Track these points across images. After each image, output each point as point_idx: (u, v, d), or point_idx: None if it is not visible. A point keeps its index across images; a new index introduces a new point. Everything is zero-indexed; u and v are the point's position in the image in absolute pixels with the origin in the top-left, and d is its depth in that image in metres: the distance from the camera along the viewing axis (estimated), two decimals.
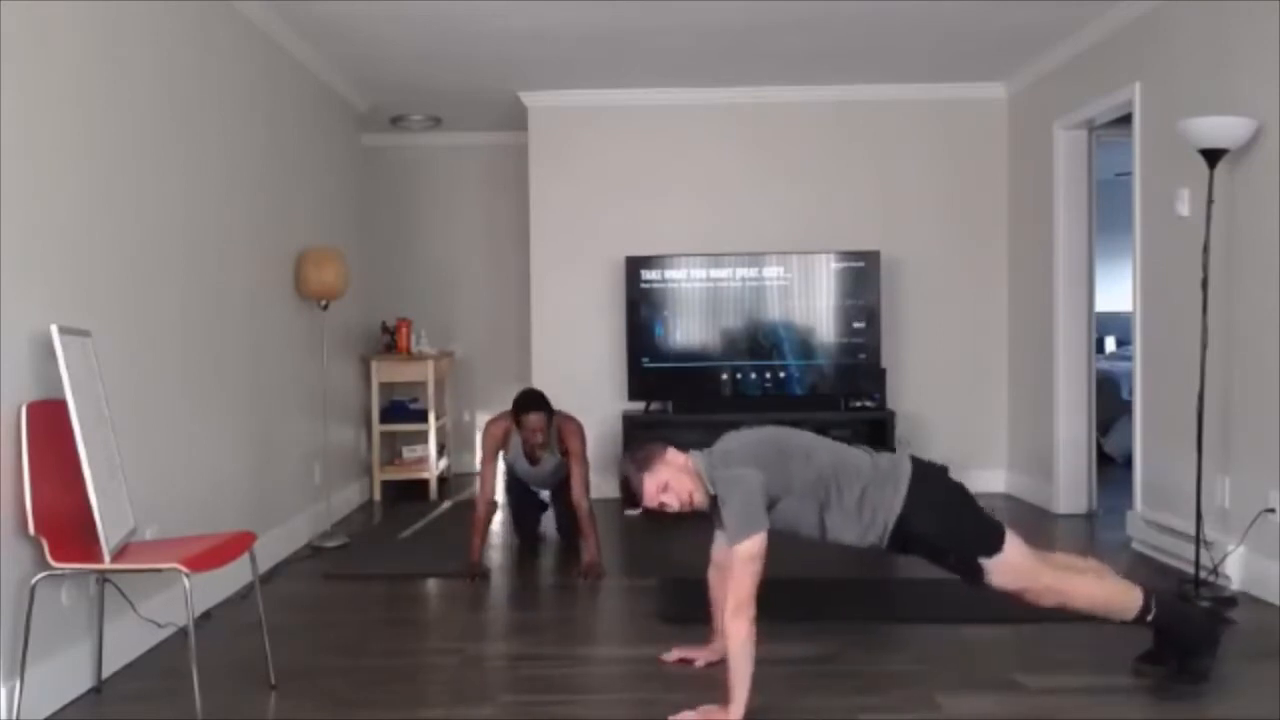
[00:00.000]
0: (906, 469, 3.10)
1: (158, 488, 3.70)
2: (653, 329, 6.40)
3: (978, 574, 3.06)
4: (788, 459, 3.08)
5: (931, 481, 3.13)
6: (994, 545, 3.05)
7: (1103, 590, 3.15)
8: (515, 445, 4.83)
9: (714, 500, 3.06)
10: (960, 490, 3.18)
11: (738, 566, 2.88)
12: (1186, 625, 3.15)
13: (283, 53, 5.26)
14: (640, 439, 6.03)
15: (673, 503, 3.08)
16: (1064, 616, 3.61)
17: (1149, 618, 3.09)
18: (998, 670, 3.29)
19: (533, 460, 4.87)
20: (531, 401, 4.71)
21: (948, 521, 3.09)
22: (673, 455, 3.11)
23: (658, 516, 5.87)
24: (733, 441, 3.15)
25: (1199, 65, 4.47)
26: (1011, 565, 3.05)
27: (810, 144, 6.64)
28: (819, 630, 3.62)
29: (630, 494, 3.16)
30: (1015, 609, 3.79)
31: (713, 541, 3.36)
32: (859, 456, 3.15)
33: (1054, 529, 5.51)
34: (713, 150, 6.66)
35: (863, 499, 3.05)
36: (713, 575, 3.39)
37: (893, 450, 6.14)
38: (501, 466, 5.00)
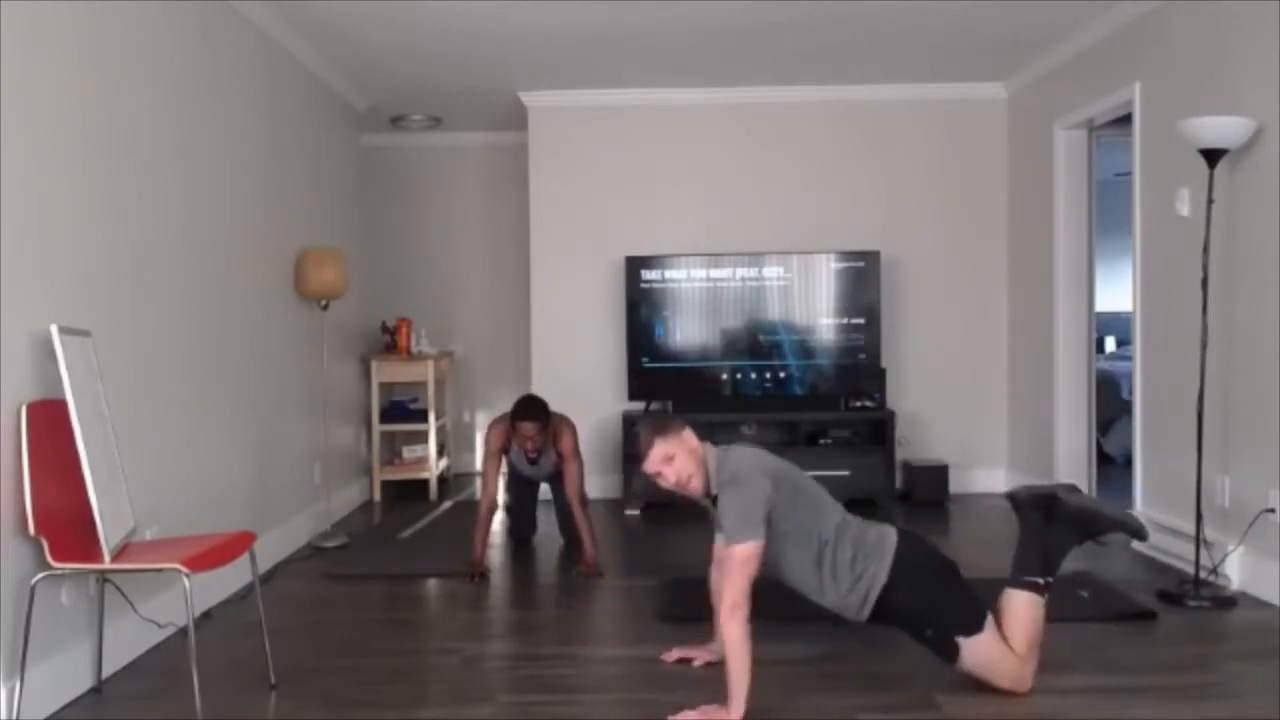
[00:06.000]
0: (892, 541, 3.09)
1: (158, 488, 3.70)
2: (653, 329, 6.40)
3: (953, 652, 3.05)
4: (797, 494, 3.08)
5: (917, 554, 3.12)
6: (973, 625, 3.03)
7: (1039, 636, 3.11)
8: (516, 446, 4.85)
9: (714, 499, 3.07)
10: (946, 565, 3.16)
11: (733, 567, 2.88)
12: (1069, 539, 3.17)
13: (283, 53, 5.26)
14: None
15: (670, 477, 3.08)
16: (1065, 616, 3.63)
17: (1052, 581, 3.13)
18: None
19: (531, 460, 4.92)
20: (527, 409, 4.70)
21: (930, 596, 3.07)
22: (689, 436, 3.12)
23: (657, 507, 5.91)
24: (754, 454, 3.13)
25: (1199, 65, 4.47)
26: (985, 651, 3.03)
27: (810, 144, 6.64)
28: (819, 630, 3.61)
29: (634, 452, 3.16)
30: None
31: (714, 539, 3.37)
32: (855, 523, 3.14)
33: None
34: (713, 150, 6.66)
35: (853, 562, 3.05)
36: (713, 573, 3.39)
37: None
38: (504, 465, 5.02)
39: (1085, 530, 3.19)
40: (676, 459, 3.07)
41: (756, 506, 2.94)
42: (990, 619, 3.06)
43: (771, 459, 3.14)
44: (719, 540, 3.24)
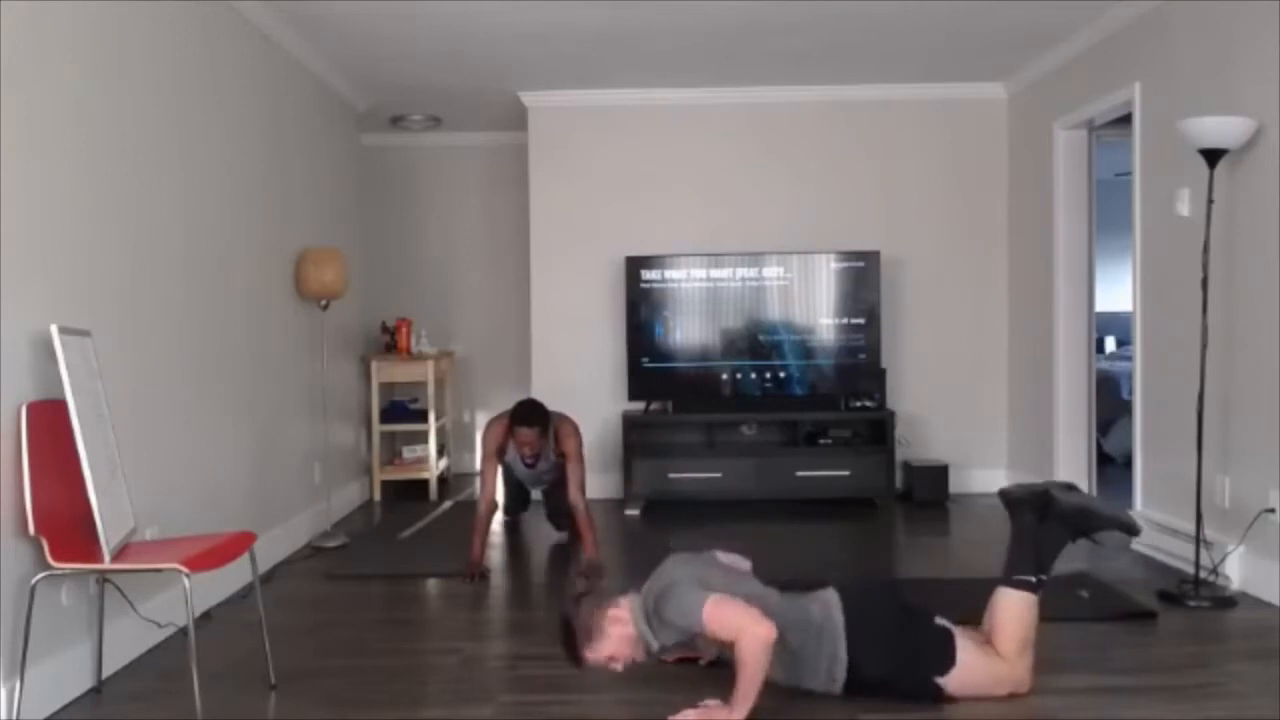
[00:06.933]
0: (837, 613, 3.00)
1: (158, 488, 3.70)
2: (653, 329, 6.40)
3: (938, 692, 3.00)
4: (735, 586, 3.01)
5: (864, 610, 3.03)
6: (945, 661, 2.98)
7: (1031, 634, 3.08)
8: (513, 447, 4.87)
9: (661, 648, 3.02)
10: (897, 610, 3.08)
11: (721, 619, 2.84)
12: (1061, 537, 3.14)
13: (283, 53, 5.26)
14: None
15: (618, 662, 3.03)
16: (1064, 616, 3.63)
17: (1045, 579, 3.10)
18: None
19: (529, 465, 4.94)
20: (526, 416, 4.70)
21: (894, 655, 2.99)
22: (618, 612, 3.01)
23: (659, 506, 5.90)
24: (675, 570, 3.06)
25: (1199, 65, 4.47)
26: (966, 678, 2.99)
27: (810, 144, 6.64)
28: None
29: (569, 639, 3.03)
30: None
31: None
32: (793, 608, 3.02)
33: None
34: (713, 150, 6.66)
35: (803, 649, 2.99)
36: (730, 650, 3.36)
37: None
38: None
39: (1078, 528, 3.16)
40: (615, 655, 3.00)
41: (690, 581, 2.93)
42: (961, 640, 3.01)
43: (691, 562, 3.11)
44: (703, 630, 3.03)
